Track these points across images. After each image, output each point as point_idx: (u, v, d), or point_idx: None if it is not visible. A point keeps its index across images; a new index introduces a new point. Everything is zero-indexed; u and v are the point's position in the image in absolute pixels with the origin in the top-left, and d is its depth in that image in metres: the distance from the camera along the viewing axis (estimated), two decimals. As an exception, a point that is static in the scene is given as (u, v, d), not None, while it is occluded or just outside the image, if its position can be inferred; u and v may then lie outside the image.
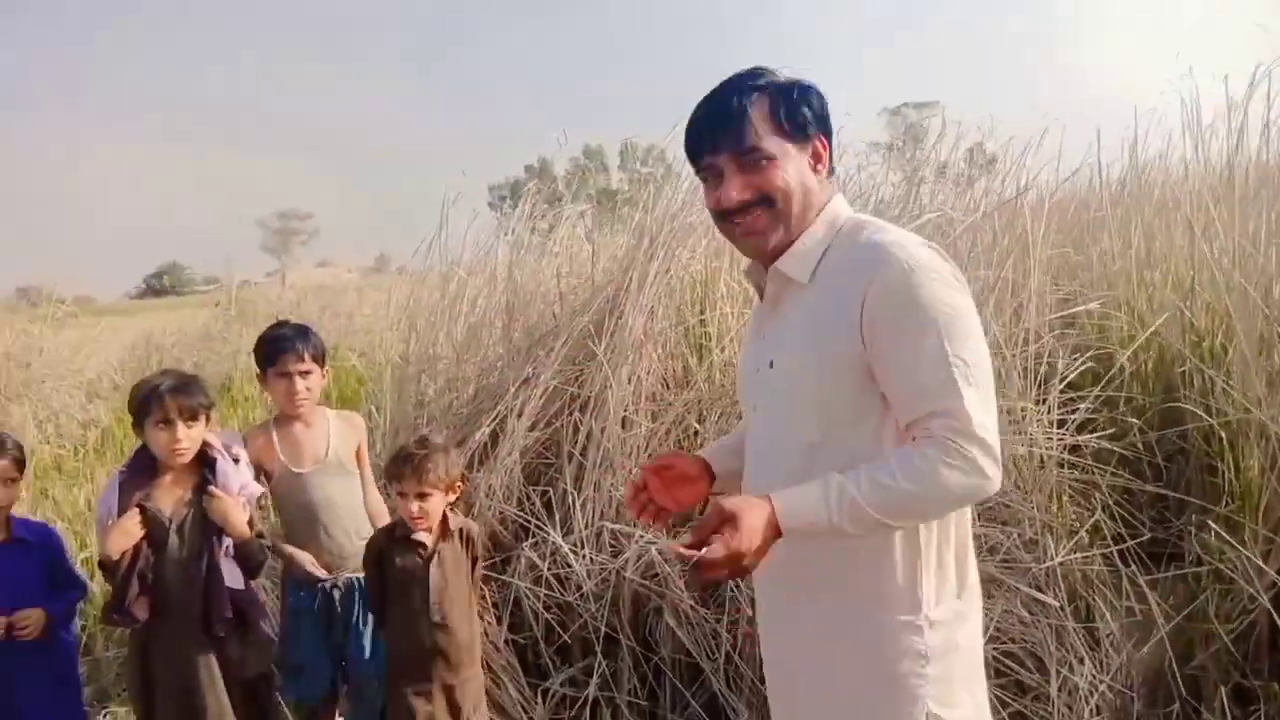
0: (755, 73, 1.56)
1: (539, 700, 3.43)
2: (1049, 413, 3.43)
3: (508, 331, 4.95)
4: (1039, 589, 3.05)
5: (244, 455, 2.66)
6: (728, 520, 1.34)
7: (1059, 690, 2.88)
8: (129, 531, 2.41)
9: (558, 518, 3.83)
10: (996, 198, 4.61)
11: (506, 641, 3.54)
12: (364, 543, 2.70)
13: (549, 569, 3.63)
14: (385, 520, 2.87)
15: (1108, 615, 3.09)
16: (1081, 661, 2.95)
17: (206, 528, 2.47)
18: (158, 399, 2.45)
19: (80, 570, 2.86)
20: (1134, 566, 3.19)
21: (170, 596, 2.44)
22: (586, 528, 3.77)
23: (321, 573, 2.75)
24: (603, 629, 3.48)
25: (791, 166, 1.53)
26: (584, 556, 3.64)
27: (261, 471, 2.81)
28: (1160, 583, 3.19)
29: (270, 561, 3.08)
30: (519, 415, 4.21)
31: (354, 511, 2.86)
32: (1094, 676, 2.93)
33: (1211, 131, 4.48)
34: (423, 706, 2.54)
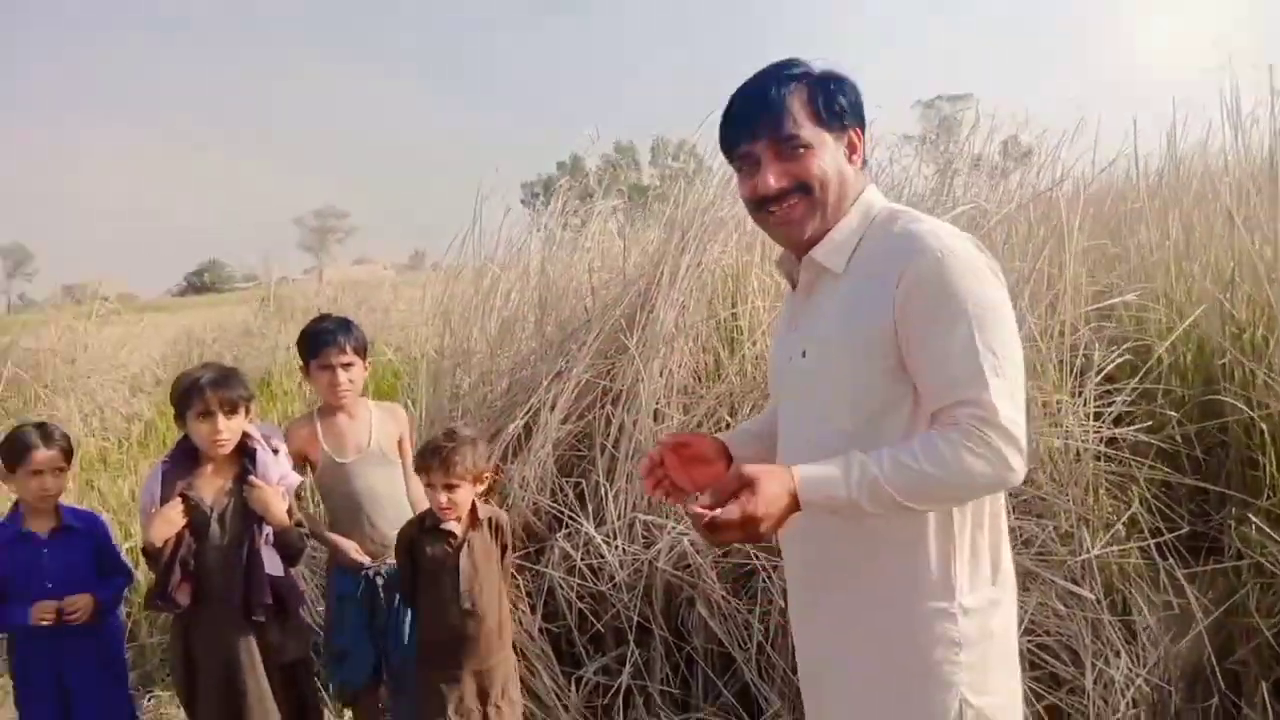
0: (791, 63, 1.57)
1: (573, 688, 3.46)
2: (1085, 405, 3.40)
3: (540, 326, 4.99)
4: (1074, 582, 3.02)
5: (283, 446, 2.71)
6: (747, 485, 1.34)
7: (1094, 683, 2.86)
8: (172, 520, 2.47)
9: (590, 509, 3.86)
10: (1031, 189, 4.57)
11: (541, 630, 3.58)
12: (407, 531, 2.74)
13: (582, 559, 3.66)
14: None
15: (1145, 609, 3.05)
16: (1118, 655, 2.92)
17: (247, 516, 2.53)
18: (198, 391, 2.51)
19: (125, 558, 2.92)
20: (1172, 560, 3.15)
21: (211, 583, 2.50)
22: (619, 519, 3.79)
23: (365, 560, 2.80)
24: (635, 619, 3.50)
25: (828, 155, 1.53)
26: (616, 547, 3.67)
27: (306, 461, 2.87)
28: (1199, 576, 3.15)
29: (309, 550, 3.15)
30: (552, 408, 4.25)
31: (397, 501, 2.91)
32: (1130, 670, 2.90)
33: (1253, 120, 4.40)
34: (452, 691, 2.59)
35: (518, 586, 3.71)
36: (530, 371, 4.73)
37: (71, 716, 2.58)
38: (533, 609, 3.64)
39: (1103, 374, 3.50)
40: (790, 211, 1.54)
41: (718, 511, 1.33)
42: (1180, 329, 3.74)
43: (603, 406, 4.26)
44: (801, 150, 1.52)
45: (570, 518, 3.88)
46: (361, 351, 2.86)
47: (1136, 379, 3.54)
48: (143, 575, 3.51)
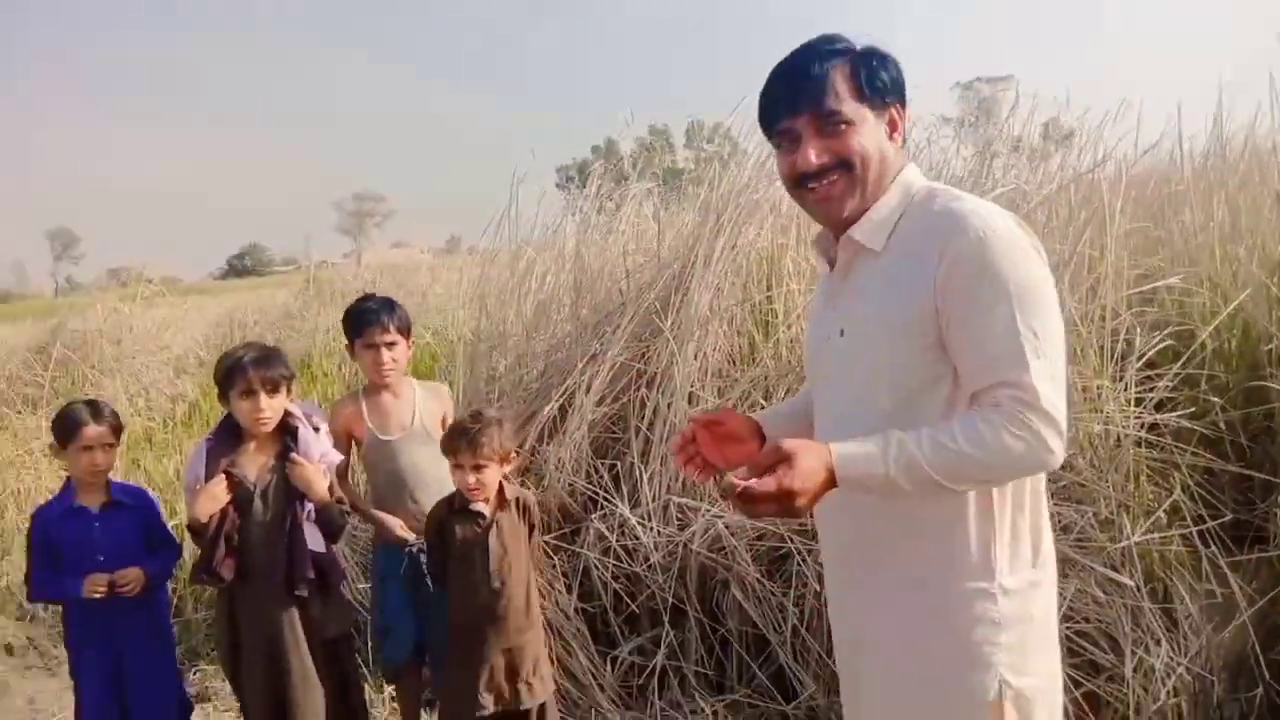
0: (832, 39, 1.55)
1: (608, 667, 3.49)
2: (1126, 390, 3.34)
3: (575, 309, 5.01)
4: (1114, 569, 2.98)
5: (324, 425, 2.75)
6: (784, 459, 1.34)
7: (1134, 671, 2.83)
8: (216, 496, 2.52)
9: (625, 490, 3.88)
10: (1072, 171, 4.49)
11: (576, 610, 3.61)
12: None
13: (617, 540, 3.69)
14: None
15: (1186, 597, 3.01)
16: (1158, 643, 2.88)
17: (289, 493, 2.57)
18: (241, 370, 2.55)
19: (173, 533, 2.99)
20: (1215, 548, 3.09)
21: (255, 558, 2.55)
22: (654, 500, 3.81)
23: (410, 536, 2.84)
24: (670, 600, 3.52)
25: (869, 132, 1.52)
26: (651, 529, 3.69)
27: (351, 439, 2.91)
28: (1243, 565, 3.10)
29: (350, 529, 3.20)
30: (587, 390, 4.27)
31: (440, 478, 2.93)
32: (1171, 658, 2.86)
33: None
34: (483, 668, 2.62)
35: (553, 566, 3.74)
36: (565, 354, 4.75)
37: (123, 686, 2.65)
38: (568, 589, 3.67)
39: (1144, 359, 3.44)
40: (830, 189, 1.53)
41: (753, 481, 1.33)
42: (1225, 313, 3.66)
43: (637, 389, 4.27)
44: (843, 126, 1.50)
45: (605, 499, 3.90)
46: (405, 331, 2.89)
47: (1179, 364, 3.47)
48: (188, 552, 3.59)
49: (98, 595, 2.56)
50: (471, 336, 5.42)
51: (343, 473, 2.84)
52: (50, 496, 5.44)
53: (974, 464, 1.37)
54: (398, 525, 2.81)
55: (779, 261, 4.88)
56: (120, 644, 2.66)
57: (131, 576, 2.61)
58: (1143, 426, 3.32)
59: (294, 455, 2.58)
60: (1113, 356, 3.46)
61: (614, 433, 4.36)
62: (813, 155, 1.51)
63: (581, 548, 3.78)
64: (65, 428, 2.65)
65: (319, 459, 2.62)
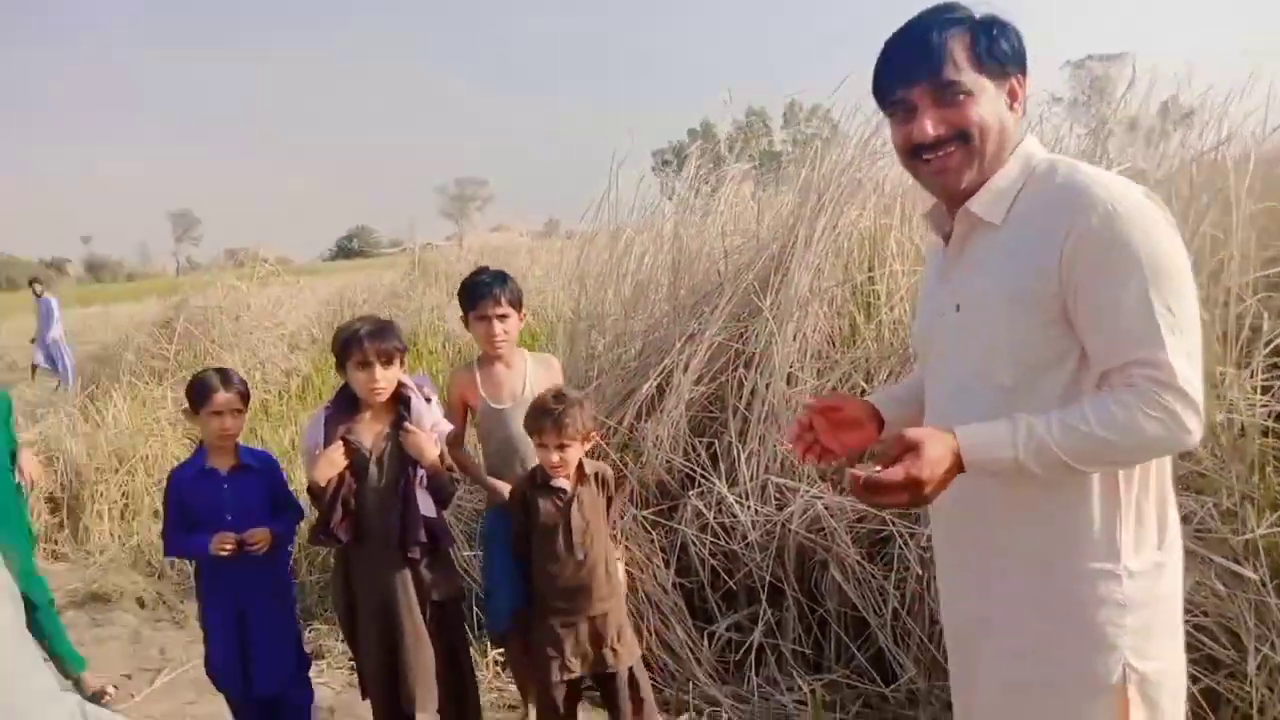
0: (951, 6, 1.51)
1: (705, 642, 3.52)
2: (1252, 378, 3.18)
3: (674, 289, 5.03)
4: (1237, 561, 2.85)
5: (435, 396, 2.85)
6: (910, 448, 1.33)
7: (1258, 669, 2.70)
8: (334, 461, 2.64)
9: (723, 469, 3.90)
10: (1194, 150, 4.26)
11: (674, 584, 3.65)
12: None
13: (714, 518, 3.71)
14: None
15: (1316, 594, 2.86)
16: (1285, 640, 2.75)
17: (402, 460, 2.67)
18: (357, 342, 2.66)
19: (296, 497, 3.14)
20: (1349, 544, 2.92)
21: (370, 521, 2.67)
22: (751, 480, 3.81)
23: None
24: (768, 579, 3.53)
25: (989, 103, 1.48)
26: (749, 507, 3.70)
27: (466, 407, 3.02)
28: (1377, 562, 2.92)
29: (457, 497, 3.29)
30: (685, 369, 4.29)
31: None
32: (1298, 657, 2.72)
33: None
34: (568, 635, 2.71)
35: (651, 541, 3.79)
36: (663, 333, 4.78)
37: (246, 639, 2.81)
38: (666, 563, 3.71)
39: (1272, 346, 3.27)
40: (946, 160, 1.50)
41: (878, 470, 1.33)
42: (1363, 298, 3.44)
43: (735, 369, 4.28)
44: (961, 97, 1.47)
45: (703, 477, 3.93)
46: (516, 303, 2.96)
47: (1311, 352, 3.28)
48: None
49: (225, 552, 2.71)
50: (571, 316, 5.50)
51: (455, 441, 2.93)
52: (176, 461, 5.79)
53: (1107, 446, 1.34)
54: (507, 490, 2.90)
55: (882, 242, 4.79)
56: (244, 599, 2.81)
57: (259, 536, 2.75)
58: (1270, 416, 3.16)
59: (407, 424, 2.68)
60: (1238, 343, 3.29)
61: (711, 412, 4.38)
62: (929, 126, 1.48)
63: (679, 524, 3.82)
64: (198, 394, 2.81)
65: (430, 428, 2.71)
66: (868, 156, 4.74)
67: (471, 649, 3.11)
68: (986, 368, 1.49)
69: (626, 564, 3.23)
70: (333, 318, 10.19)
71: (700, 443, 4.15)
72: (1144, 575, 1.44)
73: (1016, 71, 1.51)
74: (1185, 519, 2.93)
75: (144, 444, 6.38)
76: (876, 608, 3.38)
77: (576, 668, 2.71)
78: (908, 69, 1.50)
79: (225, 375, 2.87)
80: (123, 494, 5.95)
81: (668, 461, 4.14)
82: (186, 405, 2.87)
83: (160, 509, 5.73)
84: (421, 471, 2.68)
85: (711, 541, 3.69)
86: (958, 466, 1.36)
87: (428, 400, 2.79)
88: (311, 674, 3.11)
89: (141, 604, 4.86)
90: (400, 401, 2.73)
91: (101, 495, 5.83)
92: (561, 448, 2.67)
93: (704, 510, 3.77)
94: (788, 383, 4.10)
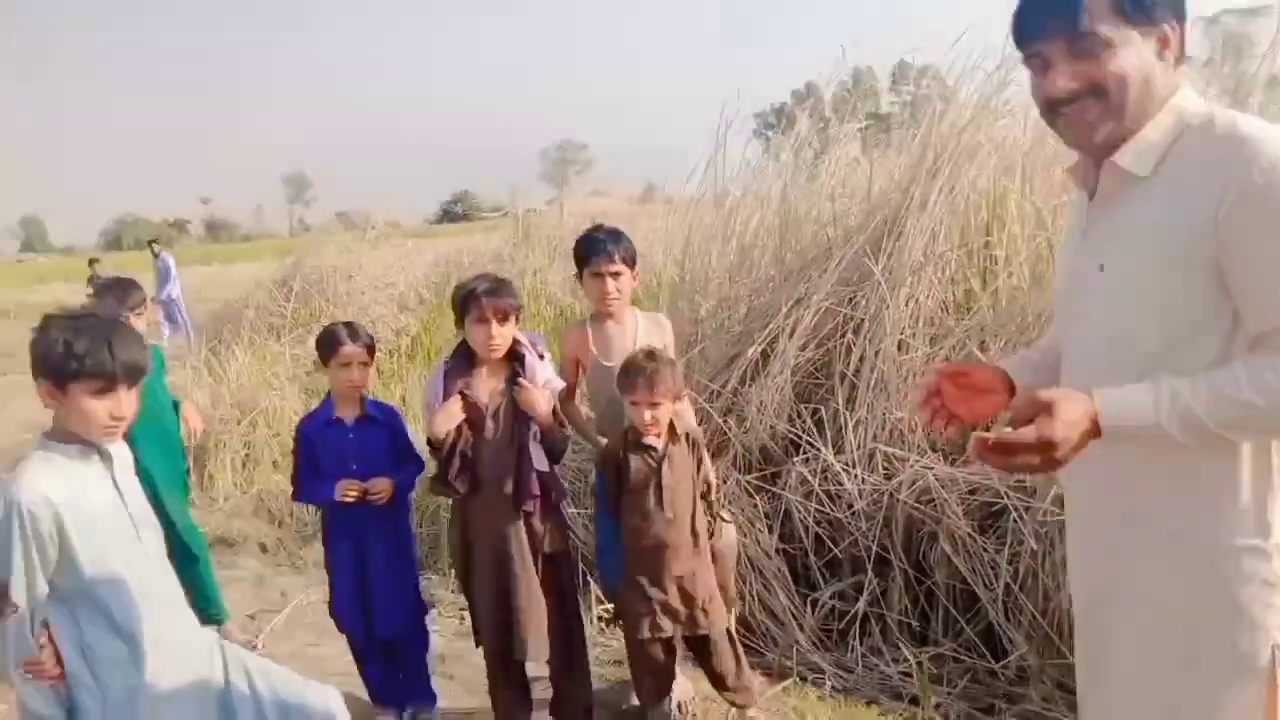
0: None
1: (808, 609, 3.51)
2: None
3: (780, 252, 4.96)
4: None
5: (548, 354, 2.89)
6: (1044, 409, 1.28)
7: None
8: (453, 414, 2.71)
9: (829, 436, 3.85)
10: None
11: (777, 550, 3.64)
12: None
13: (820, 485, 3.68)
14: (688, 415, 3.03)
15: None
16: None
17: (517, 414, 2.72)
18: (475, 299, 2.71)
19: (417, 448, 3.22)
20: None
21: (486, 474, 2.73)
22: (858, 448, 3.76)
23: None
24: (874, 548, 3.48)
25: (1131, 54, 1.38)
26: (855, 476, 3.65)
27: (578, 364, 3.05)
28: None
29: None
30: (791, 334, 4.24)
31: None
32: None
33: None
34: (658, 594, 2.73)
35: (754, 506, 3.78)
36: (769, 297, 4.73)
37: (368, 583, 2.93)
38: (769, 529, 3.70)
39: None
40: (1082, 113, 1.42)
41: (1008, 432, 1.28)
42: None
43: (843, 335, 4.20)
44: (1099, 49, 1.38)
45: (809, 443, 3.89)
46: (630, 261, 2.97)
47: None
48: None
49: (349, 499, 2.82)
50: (675, 280, 5.49)
51: (567, 397, 2.97)
52: (295, 415, 6.03)
53: (1259, 414, 1.26)
54: None
55: (1001, 205, 4.62)
56: (366, 545, 2.92)
57: (381, 486, 2.84)
58: None
59: (521, 380, 2.73)
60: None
61: (817, 378, 4.32)
62: (1061, 81, 1.41)
63: (783, 490, 3.79)
64: (327, 346, 2.91)
65: (544, 384, 2.75)
66: (988, 117, 4.56)
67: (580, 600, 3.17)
68: (1130, 331, 1.42)
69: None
70: (441, 279, 10.44)
71: (805, 409, 4.10)
72: None
73: (1169, 18, 1.41)
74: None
75: (264, 397, 6.69)
76: (987, 581, 3.30)
77: (668, 627, 2.74)
78: (1042, 19, 1.42)
79: (353, 329, 2.96)
80: (244, 444, 6.25)
81: (771, 427, 4.11)
82: (316, 357, 2.98)
83: (278, 459, 6.04)
84: (535, 427, 2.72)
85: (816, 509, 3.66)
86: (1094, 430, 1.30)
87: (541, 357, 2.83)
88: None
89: (263, 549, 5.11)
90: (515, 358, 2.77)
91: (224, 445, 6.14)
92: (653, 406, 2.69)
93: (809, 477, 3.74)
94: (899, 350, 4.01)
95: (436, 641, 3.38)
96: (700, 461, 2.84)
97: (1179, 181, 1.38)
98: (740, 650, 2.89)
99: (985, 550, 3.31)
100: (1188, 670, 1.42)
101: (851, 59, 6.07)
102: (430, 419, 2.76)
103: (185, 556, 3.41)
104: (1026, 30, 1.47)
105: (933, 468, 3.53)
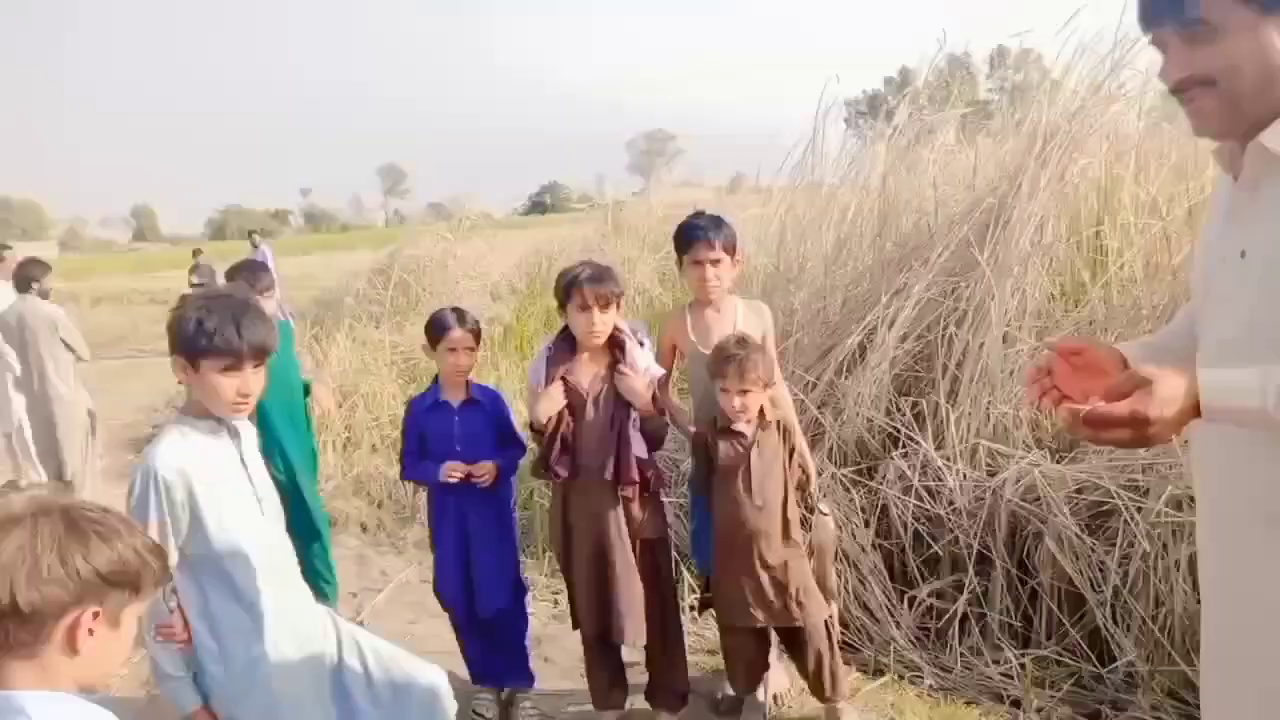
0: None
1: (905, 607, 3.44)
2: None
3: (879, 242, 4.87)
4: None
5: (648, 341, 2.90)
6: (1142, 384, 1.23)
7: None
8: (555, 399, 2.75)
9: (929, 430, 3.77)
10: None
11: (873, 545, 3.58)
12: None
13: (919, 480, 3.60)
14: (785, 407, 3.01)
15: None
16: None
17: (617, 401, 2.75)
18: (577, 286, 2.74)
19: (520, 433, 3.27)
20: None
21: (587, 459, 2.76)
22: (960, 443, 3.67)
23: None
24: (975, 546, 3.40)
25: (1246, 40, 1.29)
26: (957, 471, 3.56)
27: (675, 351, 3.06)
28: None
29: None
30: (890, 325, 4.16)
31: None
32: None
33: None
34: (749, 583, 2.71)
35: (850, 500, 3.73)
36: (867, 287, 4.65)
37: (470, 562, 3.00)
38: (865, 524, 3.65)
39: None
40: (1199, 103, 1.35)
41: (1102, 405, 1.23)
42: None
43: (945, 326, 4.11)
44: (1212, 36, 1.30)
45: (908, 437, 3.82)
46: (730, 249, 2.95)
47: None
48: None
49: (453, 480, 2.89)
50: (771, 269, 5.44)
51: (665, 384, 2.98)
52: (394, 400, 6.17)
53: None
54: None
55: (1113, 193, 4.44)
56: (469, 526, 2.99)
57: (486, 469, 2.91)
58: None
59: (622, 367, 2.75)
60: None
61: (917, 370, 4.24)
62: (1172, 69, 1.34)
63: (881, 484, 3.73)
64: (436, 330, 2.98)
65: (644, 371, 2.77)
66: (1100, 101, 4.38)
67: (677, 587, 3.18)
68: (1264, 321, 1.34)
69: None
70: (532, 270, 10.58)
71: (905, 402, 4.03)
72: None
73: None
74: None
75: (364, 382, 6.89)
76: (1095, 583, 3.19)
77: (761, 617, 2.73)
78: (1154, 5, 1.36)
79: (461, 314, 3.03)
80: (345, 427, 6.46)
81: (869, 420, 4.05)
82: (424, 341, 3.05)
83: (376, 444, 6.21)
84: (635, 413, 2.74)
85: (915, 504, 3.59)
86: (1193, 410, 1.24)
87: (641, 345, 2.84)
88: (523, 603, 3.27)
89: (364, 528, 5.28)
90: (616, 345, 2.79)
91: (327, 428, 6.34)
92: (744, 393, 2.69)
93: (908, 472, 3.67)
94: (1005, 342, 3.90)
95: (532, 624, 3.44)
96: (793, 450, 2.82)
97: None
98: (836, 646, 2.85)
99: (1093, 551, 3.20)
100: None
101: (949, 44, 5.91)
102: (533, 404, 2.80)
103: (309, 533, 3.55)
104: (1144, 14, 1.41)
105: (1039, 465, 3.42)
